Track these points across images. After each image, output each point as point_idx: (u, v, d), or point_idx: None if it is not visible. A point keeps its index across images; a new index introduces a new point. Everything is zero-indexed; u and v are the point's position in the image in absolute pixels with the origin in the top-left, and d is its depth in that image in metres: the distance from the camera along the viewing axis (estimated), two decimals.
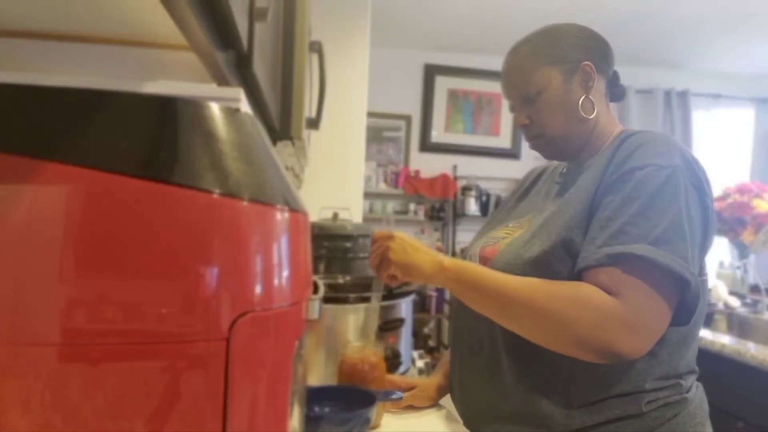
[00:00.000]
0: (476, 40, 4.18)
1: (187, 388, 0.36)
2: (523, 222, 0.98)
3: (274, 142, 1.14)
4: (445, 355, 1.15)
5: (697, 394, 0.91)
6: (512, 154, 4.59)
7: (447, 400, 1.10)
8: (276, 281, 0.40)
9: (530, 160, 4.33)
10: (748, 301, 2.62)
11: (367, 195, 3.81)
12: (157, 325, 0.35)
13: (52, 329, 0.34)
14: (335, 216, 1.99)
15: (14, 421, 0.34)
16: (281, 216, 0.42)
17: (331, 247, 1.85)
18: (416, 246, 0.91)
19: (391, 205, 4.42)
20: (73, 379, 0.34)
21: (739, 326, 2.48)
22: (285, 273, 0.41)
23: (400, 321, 1.30)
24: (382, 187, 4.37)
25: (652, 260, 0.76)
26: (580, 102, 0.93)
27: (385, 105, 4.35)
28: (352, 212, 2.24)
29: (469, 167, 4.53)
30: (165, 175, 0.36)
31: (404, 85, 4.50)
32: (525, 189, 1.11)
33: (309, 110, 1.57)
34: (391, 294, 1.27)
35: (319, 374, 1.15)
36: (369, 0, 2.63)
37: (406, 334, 1.33)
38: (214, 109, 0.40)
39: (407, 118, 4.52)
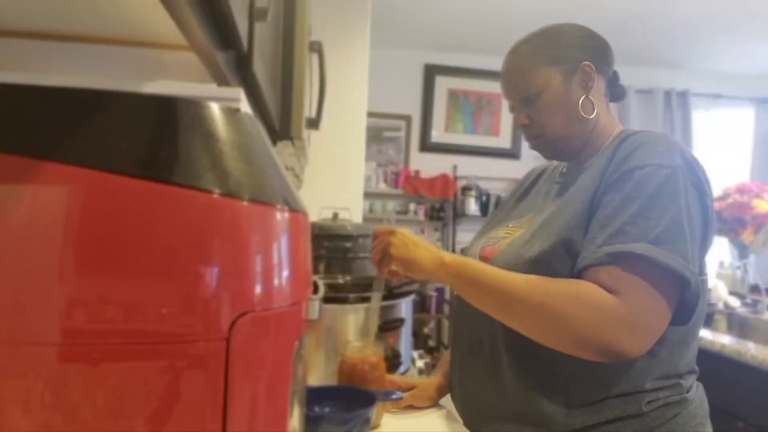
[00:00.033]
0: (476, 40, 4.18)
1: (187, 388, 0.36)
2: (523, 222, 0.98)
3: (274, 142, 1.14)
4: (445, 355, 1.15)
5: (697, 394, 0.91)
6: (512, 154, 4.59)
7: (447, 400, 1.10)
8: (276, 281, 0.40)
9: (530, 160, 4.33)
10: (748, 301, 2.62)
11: (367, 195, 3.81)
12: (157, 325, 0.35)
13: (52, 329, 0.34)
14: (335, 216, 1.99)
15: (14, 421, 0.34)
16: (281, 216, 0.42)
17: (331, 247, 1.85)
18: (417, 242, 0.91)
19: (391, 205, 4.42)
20: (73, 379, 0.34)
21: (739, 326, 2.48)
22: (285, 273, 0.41)
23: (400, 321, 1.30)
24: (382, 187, 4.37)
25: (652, 259, 0.76)
26: (580, 102, 0.93)
27: (385, 105, 4.35)
28: (352, 212, 2.24)
29: (469, 167, 4.53)
30: (165, 175, 0.36)
31: (404, 85, 4.50)
32: (525, 189, 1.11)
33: (309, 110, 1.57)
34: (391, 294, 1.27)
35: (319, 374, 1.15)
36: (369, 0, 2.63)
37: (406, 334, 1.33)
38: (214, 109, 0.40)
39: (407, 118, 4.52)
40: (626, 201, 0.80)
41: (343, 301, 1.19)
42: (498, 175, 4.52)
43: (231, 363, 0.37)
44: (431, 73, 4.52)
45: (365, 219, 2.67)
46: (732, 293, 2.62)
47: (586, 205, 0.85)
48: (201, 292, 0.36)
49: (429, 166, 4.49)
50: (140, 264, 0.35)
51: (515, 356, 0.88)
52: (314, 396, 0.91)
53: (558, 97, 0.93)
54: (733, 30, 3.76)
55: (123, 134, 0.37)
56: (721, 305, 2.52)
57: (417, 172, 4.45)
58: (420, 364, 1.50)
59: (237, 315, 0.37)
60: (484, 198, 4.48)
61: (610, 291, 0.77)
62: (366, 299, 1.17)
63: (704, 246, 0.85)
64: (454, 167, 4.52)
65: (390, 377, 1.09)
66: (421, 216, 4.40)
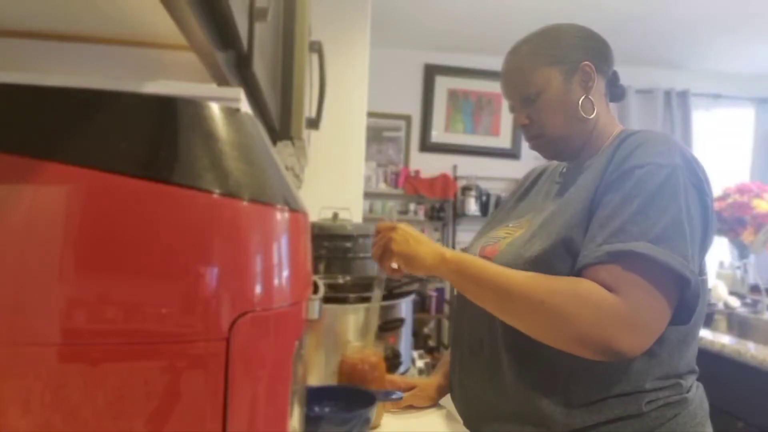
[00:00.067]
0: (476, 40, 4.18)
1: (187, 388, 0.36)
2: (523, 222, 0.98)
3: (274, 142, 1.14)
4: (445, 355, 1.15)
5: (697, 394, 0.91)
6: (512, 154, 4.59)
7: (447, 400, 1.10)
8: (276, 281, 0.40)
9: (530, 160, 4.33)
10: (748, 301, 2.62)
11: (367, 195, 3.81)
12: (157, 325, 0.35)
13: (52, 329, 0.34)
14: (335, 216, 1.99)
15: (14, 421, 0.34)
16: (281, 216, 0.42)
17: (331, 247, 1.85)
18: (418, 238, 0.92)
19: (391, 205, 4.42)
20: (73, 379, 0.34)
21: (739, 326, 2.48)
22: (285, 273, 0.41)
23: (400, 321, 1.30)
24: (382, 187, 4.37)
25: (652, 258, 0.76)
26: (580, 102, 0.93)
27: (385, 105, 4.35)
28: (352, 212, 2.24)
29: (469, 167, 4.53)
30: (165, 175, 0.36)
31: (404, 85, 4.50)
32: (525, 189, 1.11)
33: (309, 110, 1.57)
34: (391, 294, 1.27)
35: (319, 374, 1.15)
36: (369, 0, 2.63)
37: (406, 334, 1.33)
38: (214, 109, 0.40)
39: (407, 118, 4.52)
40: (626, 200, 0.80)
41: (343, 301, 1.19)
42: (498, 175, 4.52)
43: (231, 363, 0.37)
44: (431, 73, 4.52)
45: (365, 219, 2.67)
46: (732, 293, 2.62)
47: (586, 204, 0.85)
48: (201, 292, 0.36)
49: (429, 166, 4.49)
50: (140, 264, 0.35)
51: (515, 356, 0.88)
52: (314, 396, 0.91)
53: (558, 97, 0.93)
54: (733, 30, 3.76)
55: (123, 134, 0.37)
56: (721, 305, 2.52)
57: (417, 172, 4.45)
58: (420, 364, 1.50)
59: (237, 315, 0.37)
60: (484, 198, 4.48)
61: (610, 290, 0.77)
62: (366, 299, 1.17)
63: (704, 246, 0.85)
64: (454, 167, 4.52)
65: (390, 377, 1.09)
66: (421, 216, 4.40)
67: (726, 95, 4.69)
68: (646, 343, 0.78)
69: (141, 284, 0.35)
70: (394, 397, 0.98)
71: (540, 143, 0.98)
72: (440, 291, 4.27)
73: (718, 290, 2.52)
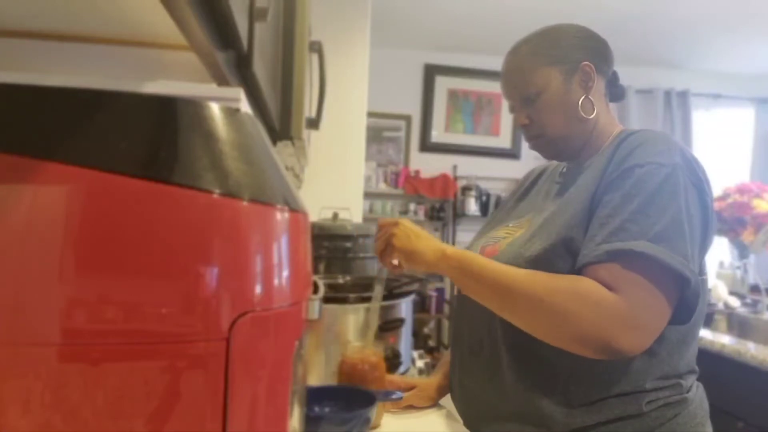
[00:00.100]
0: (476, 40, 4.18)
1: (187, 388, 0.36)
2: (523, 222, 0.98)
3: (274, 142, 1.14)
4: (445, 355, 1.15)
5: (697, 394, 0.91)
6: (512, 154, 4.59)
7: (447, 400, 1.10)
8: (276, 281, 0.40)
9: (530, 160, 4.33)
10: (748, 301, 2.62)
11: (367, 195, 3.81)
12: (157, 325, 0.35)
13: (52, 329, 0.34)
14: (335, 216, 1.99)
15: (14, 421, 0.34)
16: (281, 216, 0.42)
17: (331, 247, 1.85)
18: (420, 233, 0.92)
19: (391, 205, 4.42)
20: (73, 379, 0.34)
21: (739, 326, 2.48)
22: (285, 273, 0.41)
23: (400, 321, 1.30)
24: (382, 187, 4.37)
25: (652, 257, 0.76)
26: (580, 102, 0.93)
27: (385, 105, 4.35)
28: (352, 212, 2.24)
29: (469, 167, 4.52)
30: (165, 175, 0.36)
31: (404, 85, 4.50)
32: (525, 189, 1.11)
33: (309, 110, 1.57)
34: (391, 294, 1.27)
35: (319, 374, 1.14)
36: (369, 0, 2.63)
37: (406, 334, 1.33)
38: (214, 109, 0.40)
39: (407, 118, 4.52)
40: (626, 199, 0.80)
41: (343, 301, 1.19)
42: (498, 175, 4.52)
43: (231, 363, 0.37)
44: (431, 73, 4.52)
45: (365, 219, 2.67)
46: (732, 293, 2.62)
47: (586, 204, 0.85)
48: (201, 292, 0.36)
49: (429, 166, 4.49)
50: (140, 264, 0.35)
51: (515, 356, 0.88)
52: (314, 396, 0.91)
53: (558, 97, 0.93)
54: (733, 30, 3.76)
55: (123, 134, 0.37)
56: (721, 305, 2.52)
57: (417, 172, 4.45)
58: (420, 364, 1.50)
59: (237, 315, 0.37)
60: (484, 198, 4.48)
61: (609, 288, 0.77)
62: (366, 299, 1.17)
63: (704, 245, 0.85)
64: (454, 167, 4.52)
65: (390, 377, 1.09)
66: (421, 216, 4.40)
67: (726, 95, 4.69)
68: (646, 342, 0.78)
69: (141, 284, 0.35)
70: (394, 397, 0.98)
71: (540, 143, 0.98)
72: (440, 291, 4.27)
73: (718, 290, 2.52)
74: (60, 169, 0.35)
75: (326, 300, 1.14)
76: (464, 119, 4.58)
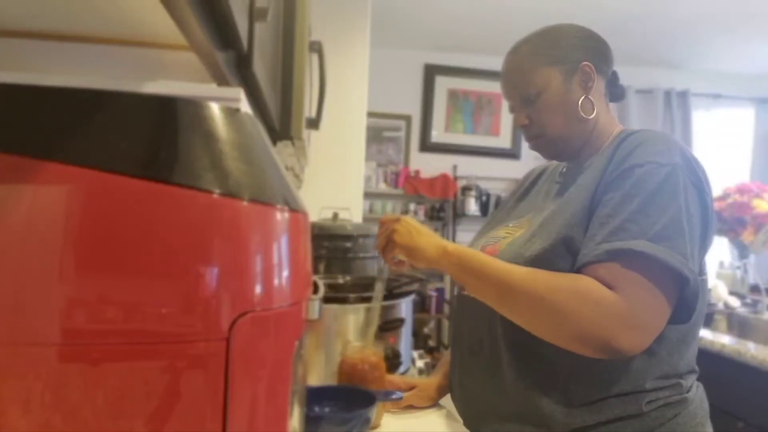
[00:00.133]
0: (476, 40, 4.18)
1: (187, 388, 0.36)
2: (523, 222, 0.98)
3: (274, 142, 1.14)
4: (445, 355, 1.15)
5: (697, 394, 0.91)
6: (512, 154, 4.59)
7: (447, 400, 1.10)
8: (276, 281, 0.40)
9: (530, 160, 4.33)
10: (748, 301, 2.62)
11: (367, 195, 3.81)
12: (157, 325, 0.35)
13: (52, 329, 0.34)
14: (335, 216, 1.99)
15: (14, 421, 0.34)
16: (281, 216, 0.42)
17: (331, 247, 1.85)
18: (421, 230, 0.93)
19: (391, 205, 4.43)
20: (73, 379, 0.34)
21: (739, 326, 2.48)
22: (285, 273, 0.41)
23: (400, 321, 1.30)
24: (382, 187, 4.36)
25: (651, 256, 0.76)
26: (580, 102, 0.93)
27: (385, 105, 4.35)
28: (352, 212, 2.24)
29: (469, 167, 4.52)
30: (165, 175, 0.36)
31: (404, 85, 4.50)
32: (525, 189, 1.11)
33: (309, 110, 1.57)
34: (391, 294, 1.27)
35: (319, 374, 1.14)
36: (369, 0, 2.63)
37: (406, 334, 1.33)
38: (214, 109, 0.40)
39: (407, 118, 4.52)
40: (626, 198, 0.80)
41: (343, 301, 1.19)
42: (498, 175, 4.52)
43: (231, 363, 0.37)
44: (431, 73, 4.52)
45: (365, 219, 2.67)
46: (732, 293, 2.62)
47: (586, 203, 0.85)
48: (201, 292, 0.36)
49: (429, 166, 4.49)
50: (140, 264, 0.35)
51: (515, 355, 0.88)
52: (314, 396, 0.91)
53: (558, 97, 0.93)
54: (733, 30, 3.76)
55: (123, 134, 0.37)
56: (721, 305, 2.52)
57: (417, 172, 4.45)
58: (420, 364, 1.50)
59: (237, 315, 0.37)
60: (484, 198, 4.47)
61: (609, 287, 0.77)
62: (366, 299, 1.17)
63: (704, 245, 0.85)
64: (454, 167, 4.52)
65: (390, 377, 1.09)
66: (421, 216, 4.40)
67: (726, 95, 4.69)
68: (646, 341, 0.78)
69: (141, 284, 0.35)
70: (394, 397, 0.98)
71: (540, 143, 0.98)
72: (440, 291, 4.27)
73: (718, 290, 2.52)
74: (60, 169, 0.35)
75: (326, 300, 1.14)
76: (464, 119, 4.58)
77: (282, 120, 1.13)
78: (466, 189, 4.45)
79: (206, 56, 0.57)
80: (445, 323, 4.39)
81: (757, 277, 2.66)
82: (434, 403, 1.11)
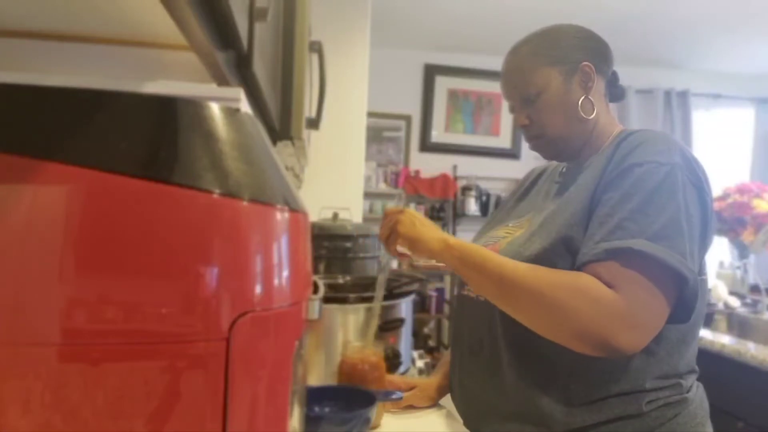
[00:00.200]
0: (476, 40, 4.18)
1: (187, 388, 0.36)
2: (523, 222, 0.98)
3: (274, 142, 1.14)
4: (445, 355, 1.15)
5: (697, 394, 0.91)
6: (512, 154, 4.59)
7: (447, 400, 1.10)
8: (276, 281, 0.40)
9: (530, 160, 4.33)
10: (748, 301, 2.62)
11: (367, 195, 3.81)
12: (157, 325, 0.35)
13: (52, 329, 0.34)
14: (335, 216, 1.99)
15: (14, 421, 0.34)
16: (281, 216, 0.42)
17: (331, 247, 1.85)
18: (424, 222, 0.94)
19: (391, 206, 4.42)
20: (73, 379, 0.34)
21: (739, 326, 2.48)
22: (285, 273, 0.41)
23: (400, 321, 1.30)
24: (382, 187, 4.37)
25: (650, 255, 0.76)
26: (580, 102, 0.94)
27: (385, 105, 4.35)
28: (352, 212, 2.24)
29: (469, 167, 4.53)
30: (165, 175, 0.36)
31: (404, 85, 4.50)
32: (525, 189, 1.11)
33: (309, 110, 1.57)
34: (391, 294, 1.27)
35: (319, 374, 1.15)
36: (369, 0, 2.63)
37: (406, 334, 1.33)
38: (214, 109, 0.40)
39: (407, 118, 4.52)
40: (625, 198, 0.80)
41: (343, 301, 1.19)
42: (498, 175, 4.52)
43: (231, 363, 0.37)
44: (431, 73, 4.52)
45: (365, 219, 2.67)
46: (732, 293, 2.62)
47: (586, 203, 0.85)
48: (201, 292, 0.36)
49: (429, 166, 4.49)
50: (140, 264, 0.35)
51: (515, 355, 0.88)
52: (314, 396, 0.91)
53: (558, 97, 0.93)
54: (733, 30, 3.76)
55: (123, 134, 0.37)
56: (721, 305, 2.52)
57: (417, 172, 4.45)
58: (420, 364, 1.50)
59: (237, 315, 0.37)
60: (484, 198, 4.48)
61: (609, 286, 0.77)
62: (366, 299, 1.17)
63: (704, 245, 0.85)
64: (454, 167, 4.52)
65: (390, 377, 1.09)
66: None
67: (726, 95, 4.69)
68: (644, 340, 0.78)
69: (141, 284, 0.35)
70: (394, 397, 0.98)
71: (540, 143, 0.98)
72: (440, 291, 4.27)
73: (718, 290, 2.52)
74: (60, 169, 0.35)
75: (326, 300, 1.14)
76: (464, 119, 4.58)
77: (282, 120, 1.13)
78: (466, 189, 4.45)
79: (206, 56, 0.57)
80: (445, 323, 4.39)
81: (757, 277, 2.66)
82: (434, 403, 1.11)
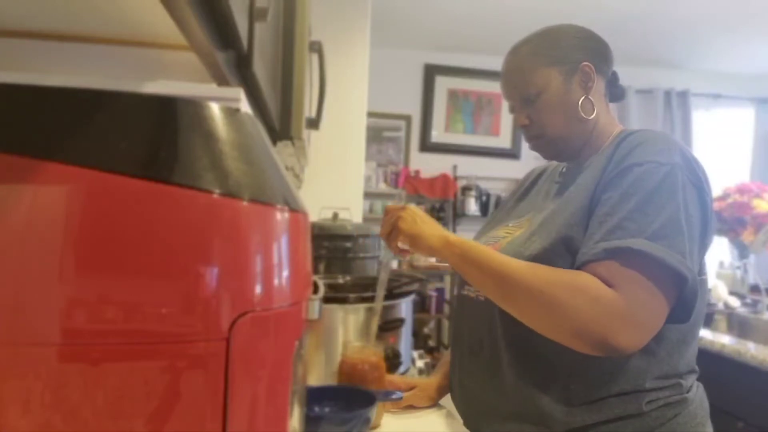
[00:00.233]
0: (476, 40, 4.18)
1: (187, 388, 0.36)
2: (523, 222, 0.98)
3: (274, 142, 1.14)
4: (445, 355, 1.15)
5: (697, 394, 0.91)
6: (512, 154, 4.59)
7: (447, 400, 1.10)
8: (276, 281, 0.40)
9: (530, 160, 4.33)
10: (748, 301, 2.62)
11: (367, 195, 3.81)
12: (157, 325, 0.35)
13: (52, 329, 0.34)
14: (335, 216, 1.99)
15: (14, 421, 0.34)
16: (281, 216, 0.42)
17: (331, 247, 1.85)
18: (425, 218, 0.94)
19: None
20: (73, 379, 0.34)
21: (739, 326, 2.48)
22: (285, 273, 0.41)
23: (400, 321, 1.30)
24: (382, 187, 4.37)
25: (650, 255, 0.76)
26: (580, 102, 0.94)
27: (385, 105, 4.35)
28: (352, 212, 2.24)
29: (469, 167, 4.53)
30: (165, 175, 0.36)
31: (404, 85, 4.50)
32: (525, 189, 1.11)
33: (309, 110, 1.57)
34: (391, 294, 1.27)
35: (319, 374, 1.15)
36: (369, 0, 2.63)
37: (406, 334, 1.33)
38: (214, 109, 0.40)
39: (407, 118, 4.52)
40: (624, 197, 0.80)
41: (343, 301, 1.19)
42: (498, 175, 4.52)
43: (231, 363, 0.37)
44: (431, 73, 4.52)
45: (365, 219, 2.67)
46: (732, 293, 2.62)
47: (585, 202, 0.85)
48: (201, 292, 0.36)
49: (429, 166, 4.49)
50: (140, 264, 0.35)
51: (515, 355, 0.88)
52: (314, 396, 0.91)
53: (558, 97, 0.93)
54: (733, 30, 3.76)
55: (123, 134, 0.37)
56: (721, 305, 2.52)
57: (417, 172, 4.45)
58: (420, 364, 1.50)
59: (237, 315, 0.37)
60: (484, 198, 4.48)
61: (608, 285, 0.77)
62: (366, 299, 1.17)
63: (703, 245, 0.85)
64: (454, 167, 4.52)
65: (390, 377, 1.09)
66: None
67: (726, 95, 4.69)
68: (643, 339, 0.78)
69: (141, 284, 0.35)
70: (394, 397, 0.98)
71: (540, 143, 0.98)
72: (440, 291, 4.27)
73: (718, 290, 2.52)
74: (60, 169, 0.35)
75: (326, 300, 1.14)
76: (464, 119, 4.58)
77: (282, 120, 1.13)
78: (466, 189, 4.45)
79: (206, 56, 0.57)
80: (445, 323, 4.39)
81: (757, 277, 2.66)
82: (434, 403, 1.11)
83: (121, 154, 0.36)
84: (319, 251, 1.83)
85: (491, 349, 0.92)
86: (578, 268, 0.81)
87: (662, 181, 0.80)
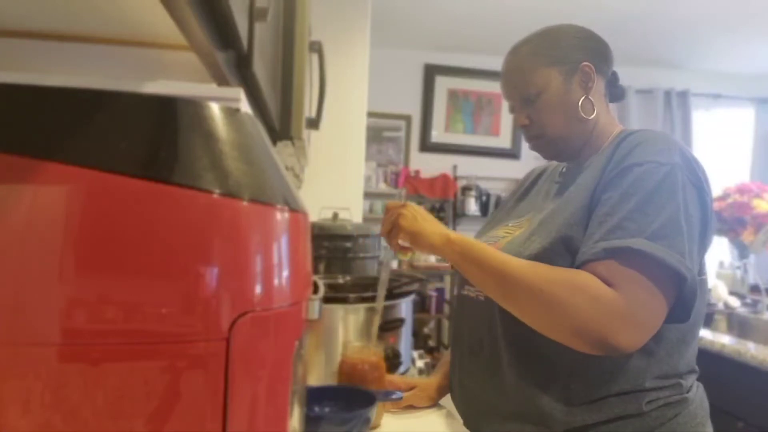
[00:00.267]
0: (476, 40, 4.18)
1: (187, 388, 0.36)
2: (522, 221, 0.98)
3: (274, 142, 1.14)
4: (445, 355, 1.15)
5: (697, 394, 0.91)
6: (512, 154, 4.59)
7: (447, 400, 1.10)
8: (276, 281, 0.40)
9: (530, 160, 4.33)
10: (748, 301, 2.62)
11: (367, 195, 3.81)
12: (157, 325, 0.35)
13: (52, 329, 0.34)
14: (335, 216, 1.99)
15: (14, 421, 0.34)
16: (281, 216, 0.42)
17: (331, 247, 1.85)
18: (426, 216, 0.94)
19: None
20: (73, 379, 0.34)
21: (739, 326, 2.48)
22: (285, 273, 0.41)
23: (400, 321, 1.30)
24: (382, 187, 4.37)
25: (649, 254, 0.76)
26: (580, 102, 0.94)
27: (385, 105, 4.35)
28: (352, 212, 2.24)
29: (469, 167, 4.53)
30: (165, 175, 0.36)
31: (404, 85, 4.50)
32: (525, 189, 1.11)
33: (309, 110, 1.57)
34: (391, 294, 1.27)
35: (319, 374, 1.15)
36: (369, 0, 2.63)
37: (406, 334, 1.33)
38: (214, 109, 0.40)
39: (407, 118, 4.52)
40: (624, 197, 0.80)
41: (343, 301, 1.19)
42: (498, 175, 4.52)
43: (231, 363, 0.37)
44: (431, 73, 4.52)
45: (365, 219, 2.68)
46: (732, 293, 2.62)
47: (585, 202, 0.85)
48: (201, 292, 0.36)
49: (429, 166, 4.49)
50: (140, 264, 0.35)
51: (515, 355, 0.88)
52: (314, 396, 0.91)
53: (558, 97, 0.93)
54: (733, 30, 3.76)
55: (123, 134, 0.37)
56: (721, 305, 2.52)
57: (417, 172, 4.45)
58: (420, 364, 1.50)
59: (237, 315, 0.37)
60: (484, 198, 4.48)
61: (608, 285, 0.77)
62: (366, 299, 1.17)
63: (703, 245, 0.85)
64: (454, 167, 4.52)
65: (390, 377, 1.09)
66: None
67: (726, 95, 4.69)
68: (642, 339, 0.78)
69: (141, 284, 0.35)
70: (394, 397, 0.98)
71: (540, 143, 0.98)
72: (440, 291, 4.27)
73: (718, 290, 2.52)
74: (60, 169, 0.35)
75: (326, 300, 1.14)
76: (464, 119, 4.58)
77: (282, 120, 1.13)
78: (466, 189, 4.45)
79: (206, 56, 0.57)
80: (445, 323, 4.39)
81: (757, 277, 2.66)
82: (434, 403, 1.11)
83: (121, 154, 0.36)
84: (319, 251, 1.84)
85: (491, 348, 0.92)
86: (578, 268, 0.81)
87: (662, 181, 0.80)
